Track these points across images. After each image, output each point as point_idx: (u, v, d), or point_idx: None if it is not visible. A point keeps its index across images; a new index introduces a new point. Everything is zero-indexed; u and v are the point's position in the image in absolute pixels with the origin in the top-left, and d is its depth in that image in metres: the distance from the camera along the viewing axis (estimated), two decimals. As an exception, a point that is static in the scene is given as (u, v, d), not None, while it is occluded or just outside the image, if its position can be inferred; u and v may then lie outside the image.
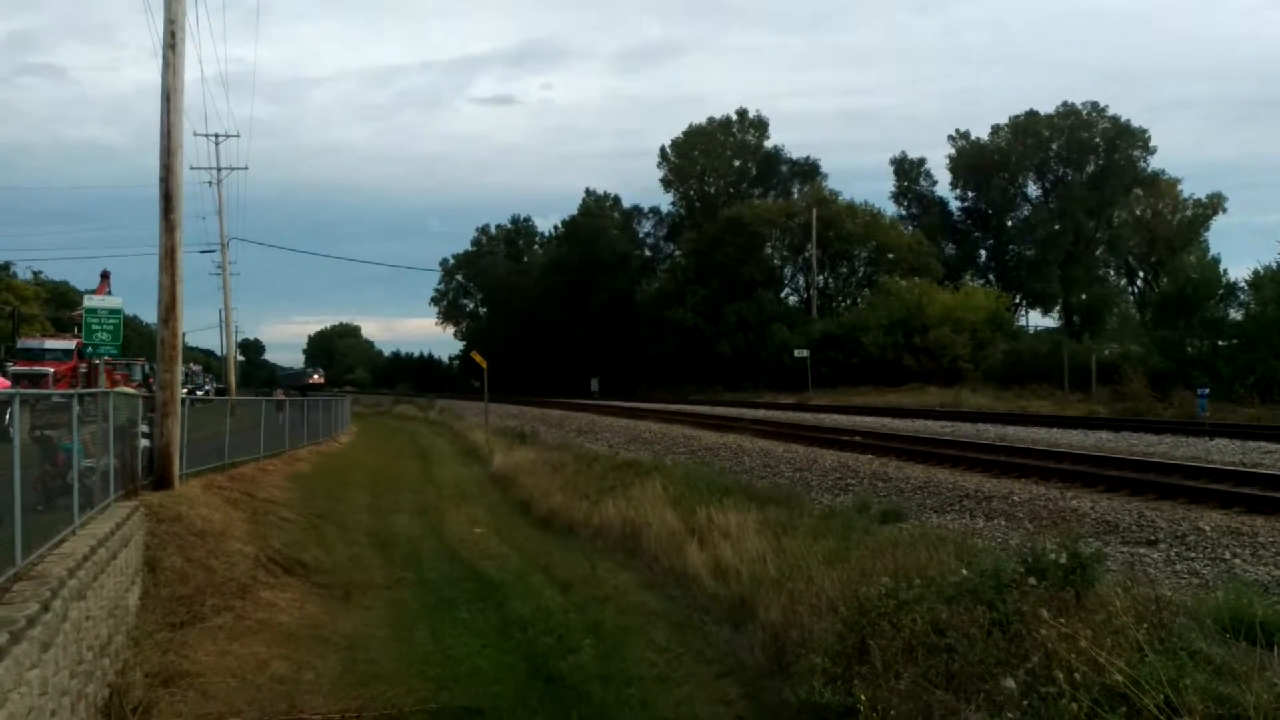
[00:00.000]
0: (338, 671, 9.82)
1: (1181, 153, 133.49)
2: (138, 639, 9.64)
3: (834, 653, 7.65)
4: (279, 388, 68.40)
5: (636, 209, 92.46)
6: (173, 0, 15.34)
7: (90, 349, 25.58)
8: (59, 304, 63.16)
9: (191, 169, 45.29)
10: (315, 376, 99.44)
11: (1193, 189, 71.80)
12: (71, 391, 13.34)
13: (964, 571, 7.65)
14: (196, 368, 74.14)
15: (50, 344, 34.44)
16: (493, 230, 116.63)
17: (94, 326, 23.82)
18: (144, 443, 15.01)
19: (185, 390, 21.40)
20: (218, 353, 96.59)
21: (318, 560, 14.70)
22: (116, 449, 12.25)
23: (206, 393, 52.73)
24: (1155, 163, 72.29)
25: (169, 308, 15.32)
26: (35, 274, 73.55)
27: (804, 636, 8.55)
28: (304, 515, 18.07)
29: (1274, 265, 33.09)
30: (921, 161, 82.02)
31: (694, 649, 10.29)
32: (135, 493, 13.50)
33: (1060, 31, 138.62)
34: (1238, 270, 44.61)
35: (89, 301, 25.73)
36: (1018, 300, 73.44)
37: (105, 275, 35.16)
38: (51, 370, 29.93)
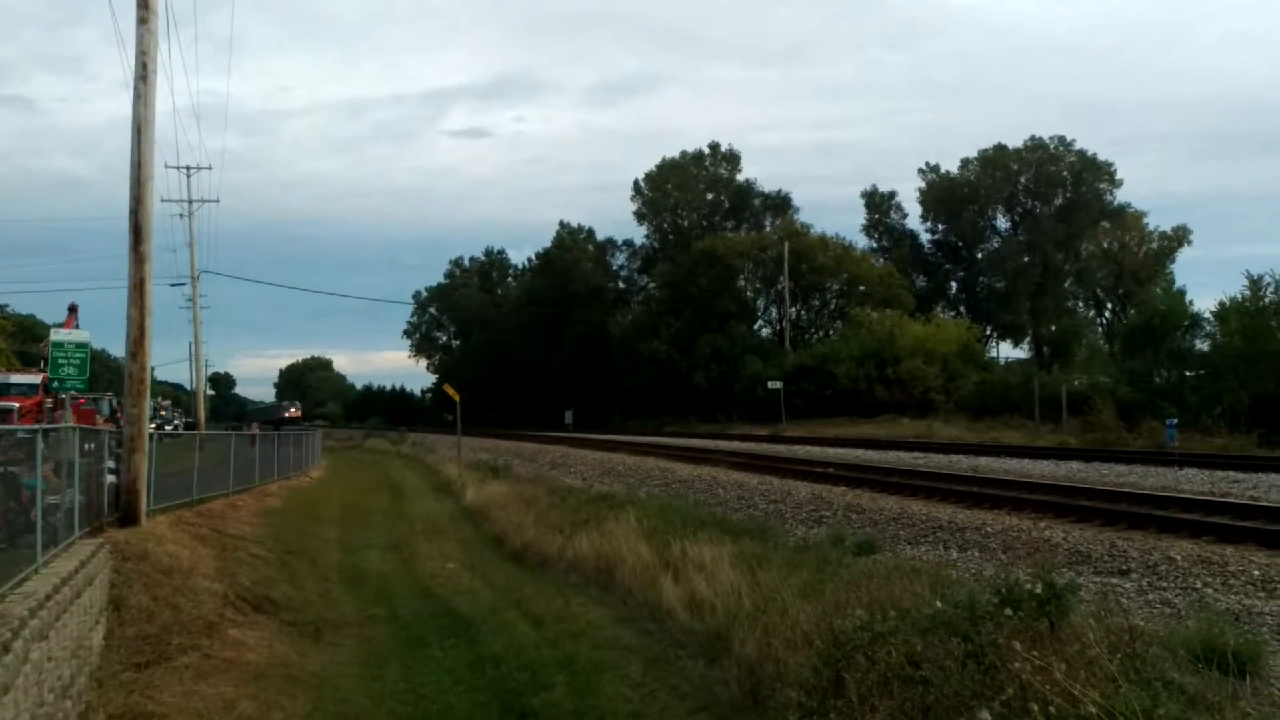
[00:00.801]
0: (306, 711, 9.66)
1: (1146, 186, 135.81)
2: (102, 680, 9.44)
3: (809, 686, 7.60)
4: (253, 421, 67.55)
5: (610, 241, 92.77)
6: (145, 33, 15.31)
7: (56, 383, 25.25)
8: (25, 338, 62.37)
9: (162, 201, 45.06)
10: (291, 410, 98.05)
11: (1158, 222, 73.09)
12: (36, 427, 13.15)
13: (938, 603, 7.63)
14: (165, 402, 73.37)
15: (16, 378, 33.95)
16: (466, 263, 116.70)
17: (60, 361, 23.51)
18: (110, 478, 14.80)
19: (153, 425, 21.14)
20: (187, 387, 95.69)
21: (287, 597, 14.49)
22: (82, 485, 12.06)
23: (175, 427, 52.19)
24: (1121, 196, 73.61)
25: (137, 341, 15.18)
26: (1, 307, 72.74)
27: (779, 670, 8.50)
28: (274, 551, 17.85)
29: (1239, 297, 33.61)
30: (892, 195, 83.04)
31: (668, 684, 10.21)
32: (101, 530, 13.29)
33: (1027, 66, 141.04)
34: (1203, 302, 45.24)
35: (55, 335, 25.40)
36: (988, 332, 74.14)
37: (73, 308, 34.76)
38: (17, 405, 29.49)
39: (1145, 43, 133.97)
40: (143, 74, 15.20)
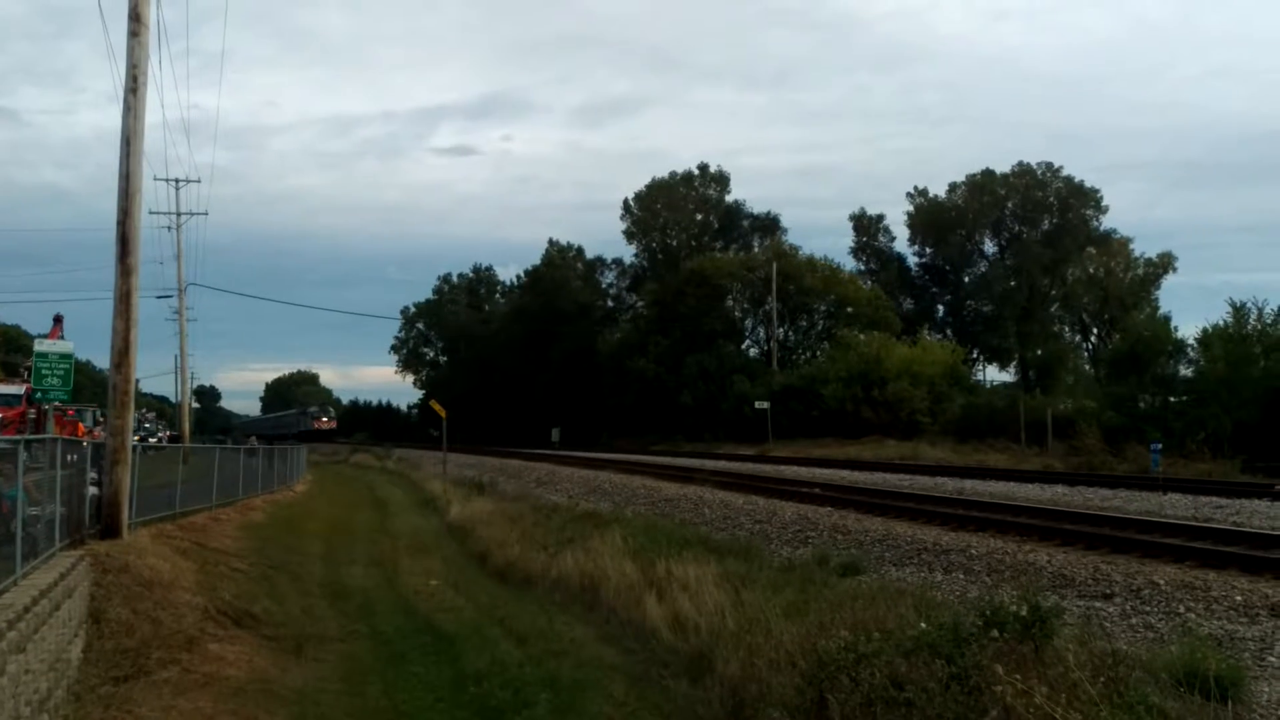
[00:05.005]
0: (286, 727, 9.57)
1: (1131, 213, 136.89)
2: (80, 693, 9.34)
3: (793, 707, 7.59)
4: (250, 435, 65.70)
5: (599, 260, 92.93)
6: (136, 46, 15.30)
7: (39, 394, 25.08)
8: (10, 348, 61.99)
9: (150, 213, 44.79)
10: (323, 419, 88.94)
11: (1143, 248, 73.63)
12: (18, 437, 13.05)
13: (922, 625, 7.64)
14: (149, 414, 72.96)
15: (-2, 389, 33.71)
16: (454, 279, 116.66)
17: (44, 371, 23.36)
18: (92, 490, 14.69)
19: (137, 437, 21.02)
20: (172, 399, 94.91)
21: (268, 612, 14.38)
22: (63, 497, 11.97)
23: (159, 440, 51.87)
24: (1107, 222, 74.15)
25: (122, 353, 15.09)
26: (-14, 317, 72.37)
27: (762, 690, 8.47)
28: (256, 565, 17.72)
29: (1222, 323, 33.88)
30: (880, 218, 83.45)
31: (651, 703, 10.16)
32: (81, 542, 13.18)
33: (1013, 93, 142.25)
34: (1187, 328, 45.50)
35: (39, 346, 25.25)
36: (974, 355, 74.42)
37: (58, 319, 34.59)
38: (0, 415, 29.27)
39: (1129, 73, 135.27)
40: (133, 86, 15.19)
